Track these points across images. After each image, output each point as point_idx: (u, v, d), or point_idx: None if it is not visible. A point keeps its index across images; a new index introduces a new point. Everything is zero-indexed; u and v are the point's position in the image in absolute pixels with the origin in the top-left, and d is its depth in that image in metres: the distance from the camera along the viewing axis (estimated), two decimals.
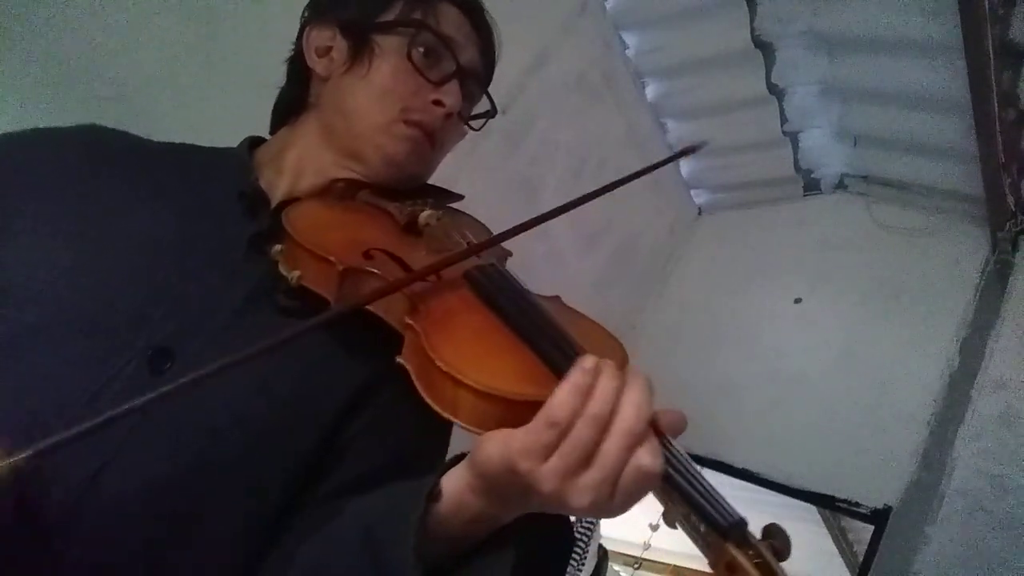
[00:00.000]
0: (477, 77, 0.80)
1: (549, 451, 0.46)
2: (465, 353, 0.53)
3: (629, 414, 0.47)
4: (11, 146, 0.69)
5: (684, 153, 0.67)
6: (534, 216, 0.67)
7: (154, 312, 0.60)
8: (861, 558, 1.88)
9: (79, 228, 0.63)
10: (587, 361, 0.48)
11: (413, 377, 0.54)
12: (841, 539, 3.52)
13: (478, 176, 1.74)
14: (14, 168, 0.66)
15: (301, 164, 0.75)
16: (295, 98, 0.80)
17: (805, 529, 3.53)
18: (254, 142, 0.79)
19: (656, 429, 0.49)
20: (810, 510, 2.96)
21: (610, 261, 2.38)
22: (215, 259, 0.65)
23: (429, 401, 0.52)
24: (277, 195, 0.73)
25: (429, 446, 0.67)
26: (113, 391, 0.56)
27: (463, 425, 0.51)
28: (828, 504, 1.96)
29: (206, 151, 0.78)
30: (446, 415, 0.51)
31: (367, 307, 0.59)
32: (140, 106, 1.18)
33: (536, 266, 2.02)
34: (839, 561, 3.61)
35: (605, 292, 2.40)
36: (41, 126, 0.71)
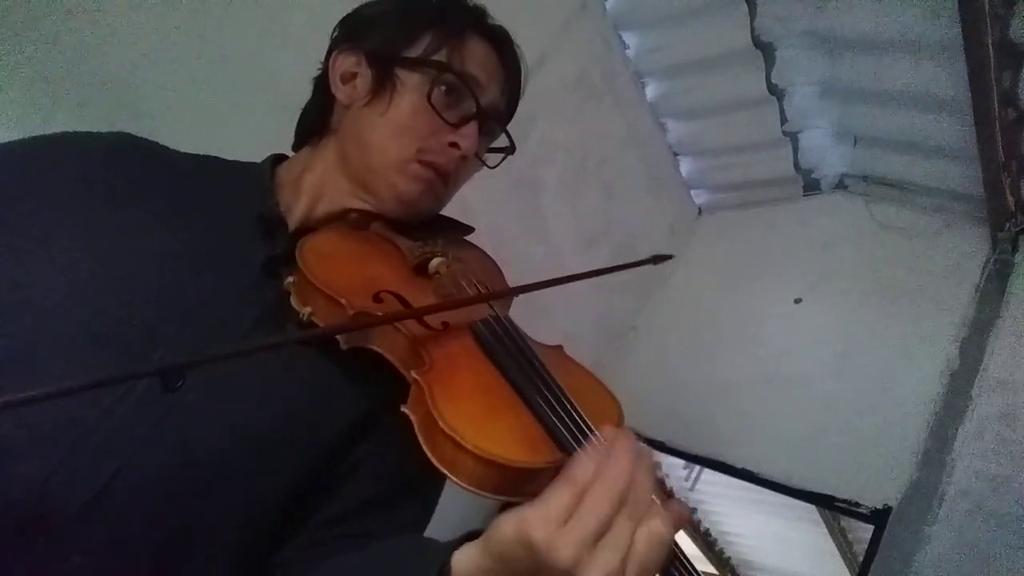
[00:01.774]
0: (498, 116, 0.80)
1: (566, 516, 0.45)
2: (466, 414, 0.54)
3: (644, 487, 0.47)
4: (39, 149, 0.68)
5: (655, 260, 0.71)
6: (544, 278, 0.69)
7: (167, 329, 0.60)
8: (861, 558, 1.88)
9: (97, 241, 0.63)
10: (607, 430, 0.50)
11: (416, 429, 0.55)
12: (841, 539, 3.52)
13: (478, 177, 1.73)
14: (37, 172, 0.66)
15: (319, 189, 0.76)
16: (318, 120, 0.80)
17: (805, 529, 3.53)
18: (277, 159, 0.80)
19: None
20: (810, 510, 2.96)
21: (610, 261, 2.37)
22: (229, 279, 0.66)
23: (430, 456, 0.53)
24: (294, 218, 0.74)
25: (430, 476, 0.68)
26: (125, 406, 0.56)
27: (460, 484, 0.52)
28: (828, 504, 1.96)
29: (231, 166, 0.78)
30: (444, 471, 0.52)
31: (375, 348, 0.61)
32: (139, 108, 1.18)
33: (536, 266, 2.02)
34: (839, 561, 3.61)
35: (605, 292, 2.40)
36: (36, 131, 0.71)
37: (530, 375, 0.60)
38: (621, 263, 0.72)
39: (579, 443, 0.53)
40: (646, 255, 2.57)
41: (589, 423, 0.55)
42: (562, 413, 0.56)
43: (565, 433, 0.54)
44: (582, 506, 0.45)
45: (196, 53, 1.24)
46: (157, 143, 0.76)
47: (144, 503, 0.55)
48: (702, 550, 4.27)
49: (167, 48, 1.21)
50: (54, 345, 0.57)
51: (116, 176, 0.68)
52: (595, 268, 0.70)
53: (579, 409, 0.56)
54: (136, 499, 0.55)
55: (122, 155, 0.71)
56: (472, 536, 0.50)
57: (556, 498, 0.45)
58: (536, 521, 0.45)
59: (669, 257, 0.73)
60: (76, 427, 0.54)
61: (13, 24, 1.06)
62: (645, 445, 0.50)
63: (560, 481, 0.46)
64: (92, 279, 0.60)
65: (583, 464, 0.47)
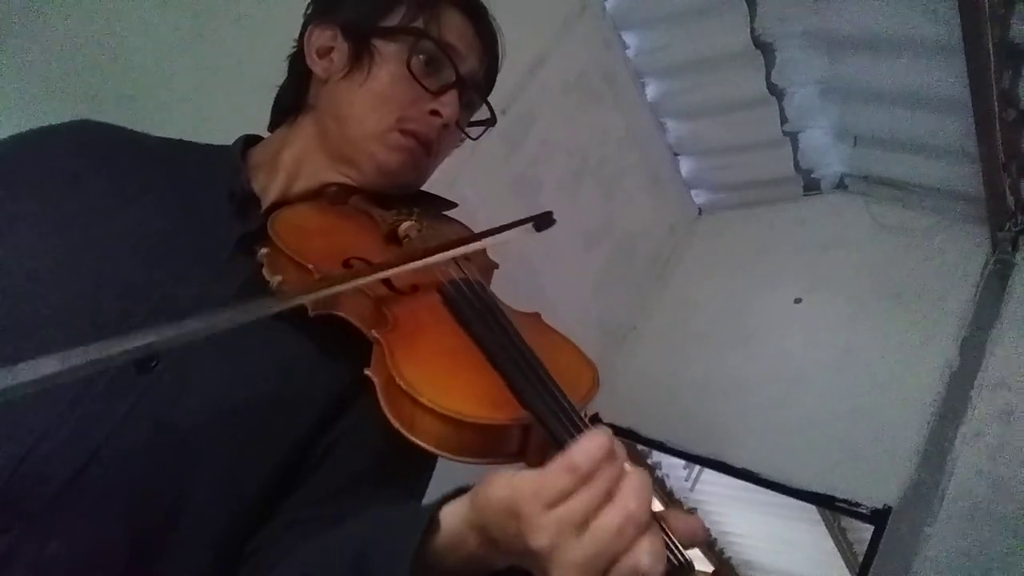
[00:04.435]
0: (478, 86, 0.80)
1: (560, 499, 0.42)
2: (426, 371, 0.53)
3: (631, 493, 0.42)
4: (2, 149, 0.68)
5: (537, 222, 0.66)
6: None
7: (140, 311, 0.60)
8: (861, 558, 1.88)
9: (66, 227, 0.63)
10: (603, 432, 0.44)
11: (378, 391, 0.54)
12: (841, 539, 3.52)
13: (478, 176, 1.74)
14: (3, 169, 0.65)
15: (296, 166, 0.75)
16: (294, 98, 0.79)
17: (805, 529, 3.52)
18: (249, 141, 0.79)
19: (666, 530, 0.44)
20: (810, 510, 2.96)
21: (610, 261, 2.38)
22: (202, 259, 0.65)
23: (388, 416, 0.52)
24: (271, 196, 0.74)
25: (413, 452, 0.67)
26: (98, 390, 0.56)
27: (420, 444, 0.51)
28: (828, 504, 1.96)
29: (201, 148, 0.77)
30: (404, 432, 0.51)
31: (343, 315, 0.60)
32: (137, 103, 1.18)
33: (536, 266, 2.02)
34: (839, 561, 3.61)
35: (605, 292, 2.40)
36: (36, 126, 0.71)
37: (496, 333, 0.58)
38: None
39: (544, 401, 0.50)
40: (646, 255, 2.57)
41: (556, 381, 0.52)
42: (527, 370, 0.53)
43: (529, 390, 0.51)
44: (576, 496, 0.41)
45: (194, 49, 1.24)
46: (122, 127, 0.75)
47: (123, 486, 0.54)
48: (702, 550, 4.27)
49: (163, 39, 1.21)
50: (24, 332, 0.56)
51: (79, 160, 0.68)
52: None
53: (546, 367, 0.54)
54: (114, 482, 0.54)
55: (83, 140, 0.71)
56: (464, 490, 0.48)
57: (555, 478, 0.42)
58: (527, 492, 0.42)
59: (551, 220, 0.67)
60: (49, 409, 0.54)
61: (11, 25, 1.06)
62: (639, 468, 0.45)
63: (564, 462, 0.42)
64: (62, 265, 0.60)
65: (589, 449, 0.42)
